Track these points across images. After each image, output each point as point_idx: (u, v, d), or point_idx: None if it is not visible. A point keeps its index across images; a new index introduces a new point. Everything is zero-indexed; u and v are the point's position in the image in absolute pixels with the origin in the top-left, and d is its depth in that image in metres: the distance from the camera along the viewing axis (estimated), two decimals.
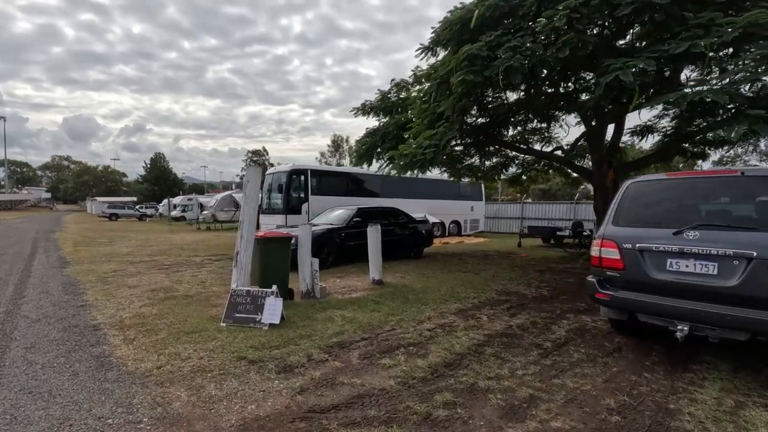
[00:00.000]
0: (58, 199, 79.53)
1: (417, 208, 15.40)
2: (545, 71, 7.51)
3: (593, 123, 10.23)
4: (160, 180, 58.68)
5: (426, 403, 3.00)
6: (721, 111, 6.57)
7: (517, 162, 13.86)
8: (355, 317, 5.14)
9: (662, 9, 5.72)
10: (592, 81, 8.17)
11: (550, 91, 9.40)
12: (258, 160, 59.45)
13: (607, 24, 7.11)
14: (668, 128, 10.89)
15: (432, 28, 8.34)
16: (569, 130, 12.58)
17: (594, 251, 4.23)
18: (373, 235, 7.34)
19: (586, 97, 9.41)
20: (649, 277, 3.76)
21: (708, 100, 4.98)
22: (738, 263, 3.32)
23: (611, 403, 3.05)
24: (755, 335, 3.29)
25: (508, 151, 12.94)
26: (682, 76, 8.04)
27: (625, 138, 11.38)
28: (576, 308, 5.93)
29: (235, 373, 3.45)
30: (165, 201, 38.69)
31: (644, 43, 7.50)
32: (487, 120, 10.45)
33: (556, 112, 11.28)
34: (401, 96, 12.18)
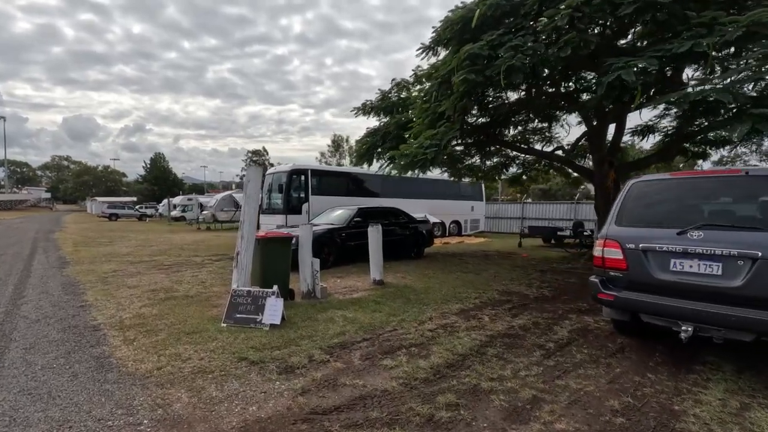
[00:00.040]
0: (57, 199, 79.50)
1: (417, 208, 15.38)
2: (546, 71, 7.49)
3: (594, 123, 10.22)
4: (160, 180, 58.65)
5: (429, 404, 2.98)
6: (722, 111, 6.55)
7: (517, 162, 13.84)
8: (357, 318, 5.11)
9: (664, 8, 5.70)
10: (593, 81, 8.19)
11: (551, 90, 9.38)
12: (258, 160, 59.43)
13: (608, 23, 7.09)
14: (669, 128, 10.88)
15: (433, 27, 8.32)
16: (570, 129, 12.56)
17: (597, 251, 4.21)
18: (374, 235, 7.31)
19: (587, 97, 9.41)
20: (652, 278, 3.74)
21: (711, 99, 4.96)
22: (743, 263, 3.29)
23: (615, 405, 3.03)
24: (760, 336, 3.26)
25: (509, 150, 12.92)
26: (684, 76, 8.02)
27: (625, 138, 11.37)
28: (578, 308, 5.90)
29: (236, 374, 3.42)
30: (165, 201, 38.66)
31: (645, 42, 7.49)
32: (488, 120, 10.43)
33: (557, 112, 11.27)
34: (402, 96, 12.17)
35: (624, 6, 5.71)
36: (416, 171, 8.88)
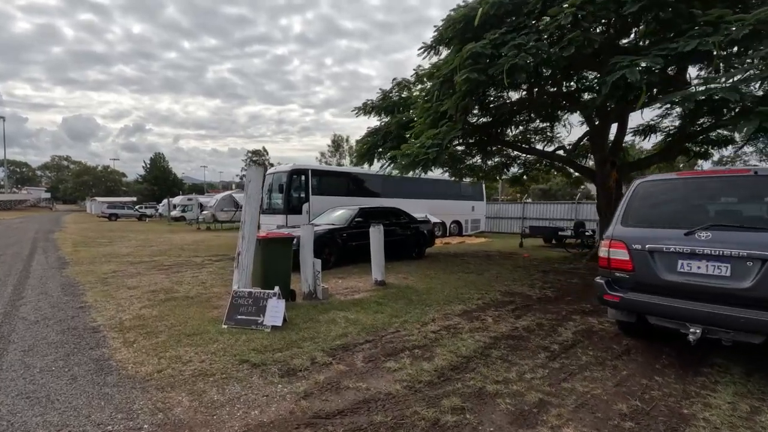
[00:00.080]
0: (57, 199, 79.44)
1: (418, 208, 15.33)
2: (549, 70, 7.44)
3: (596, 122, 10.17)
4: (160, 180, 58.57)
5: (434, 408, 2.93)
6: (725, 110, 6.50)
7: (519, 162, 13.79)
8: (359, 319, 5.06)
9: (669, 6, 5.65)
10: (595, 81, 8.13)
11: (552, 90, 9.33)
12: (258, 160, 59.39)
13: (612, 22, 7.04)
14: (671, 128, 10.83)
15: (434, 26, 8.28)
16: (571, 129, 12.51)
17: (602, 252, 4.15)
18: (376, 235, 7.25)
19: (589, 97, 9.36)
20: (659, 279, 3.69)
21: (717, 98, 4.91)
22: (752, 264, 3.25)
23: (623, 408, 2.98)
24: None
25: (510, 150, 12.87)
26: (686, 75, 7.97)
27: (627, 137, 11.32)
28: (582, 309, 5.85)
29: (237, 377, 3.37)
30: (165, 201, 38.61)
31: (647, 42, 7.44)
32: (490, 119, 10.39)
33: (559, 112, 11.22)
34: (403, 95, 12.12)
35: (629, 4, 5.66)
36: (417, 171, 8.83)
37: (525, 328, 4.90)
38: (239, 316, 4.66)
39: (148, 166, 61.46)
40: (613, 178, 9.95)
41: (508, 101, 9.86)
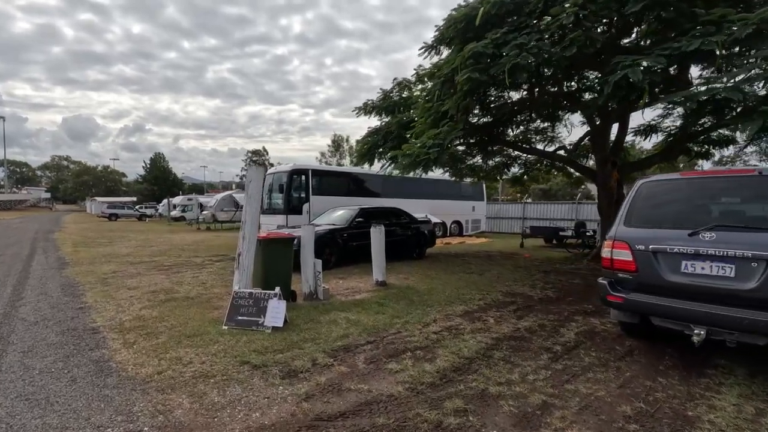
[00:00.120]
0: (57, 199, 79.41)
1: (418, 208, 15.31)
2: (550, 70, 7.42)
3: (597, 122, 10.15)
4: (160, 180, 58.53)
5: (436, 410, 2.90)
6: (727, 110, 6.48)
7: (519, 162, 13.77)
8: (360, 320, 5.04)
9: (671, 6, 5.63)
10: (597, 81, 8.11)
11: (553, 90, 9.31)
12: (258, 160, 59.37)
13: (614, 21, 7.02)
14: (672, 127, 10.82)
15: (436, 26, 8.24)
16: (572, 129, 12.50)
17: (605, 252, 4.13)
18: (377, 235, 7.23)
19: (590, 97, 9.34)
20: (663, 280, 3.67)
21: (720, 97, 4.88)
22: (756, 265, 3.22)
23: (627, 410, 2.95)
24: None
25: (511, 150, 12.85)
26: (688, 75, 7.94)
27: (628, 137, 11.30)
28: (584, 310, 5.83)
29: (238, 379, 3.35)
30: (165, 201, 38.58)
31: (649, 41, 7.41)
32: (490, 119, 10.36)
33: (560, 112, 11.20)
34: (403, 95, 12.09)
35: (631, 4, 5.63)
36: (418, 171, 8.81)
37: (527, 329, 4.88)
38: (240, 317, 4.63)
39: (148, 166, 61.42)
40: (614, 178, 9.93)
41: (509, 101, 9.83)
